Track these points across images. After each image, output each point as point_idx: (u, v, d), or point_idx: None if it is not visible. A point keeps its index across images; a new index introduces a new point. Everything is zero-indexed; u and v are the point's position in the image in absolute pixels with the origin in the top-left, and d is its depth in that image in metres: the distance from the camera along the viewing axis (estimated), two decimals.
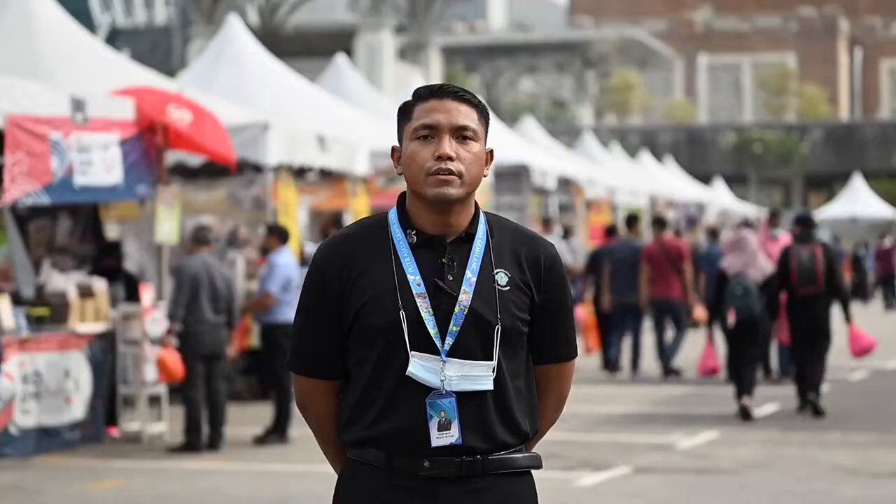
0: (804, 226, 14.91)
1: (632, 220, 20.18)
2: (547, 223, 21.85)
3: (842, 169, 56.82)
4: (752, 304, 14.24)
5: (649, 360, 19.30)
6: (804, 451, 12.35)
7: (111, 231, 16.30)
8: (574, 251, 21.78)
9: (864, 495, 10.28)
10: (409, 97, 3.73)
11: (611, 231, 21.19)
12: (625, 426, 14.12)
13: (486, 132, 3.68)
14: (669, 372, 18.62)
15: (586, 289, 20.55)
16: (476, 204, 3.70)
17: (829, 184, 59.65)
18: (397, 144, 3.70)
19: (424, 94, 3.66)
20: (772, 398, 16.06)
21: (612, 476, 11.14)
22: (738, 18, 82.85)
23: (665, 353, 18.81)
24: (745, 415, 14.25)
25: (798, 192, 62.55)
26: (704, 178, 48.26)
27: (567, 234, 22.57)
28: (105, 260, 14.41)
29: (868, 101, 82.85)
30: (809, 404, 14.59)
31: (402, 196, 3.69)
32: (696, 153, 60.47)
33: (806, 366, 14.65)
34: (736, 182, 56.43)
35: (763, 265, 14.48)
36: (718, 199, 41.87)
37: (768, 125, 63.82)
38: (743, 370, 14.44)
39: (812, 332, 14.59)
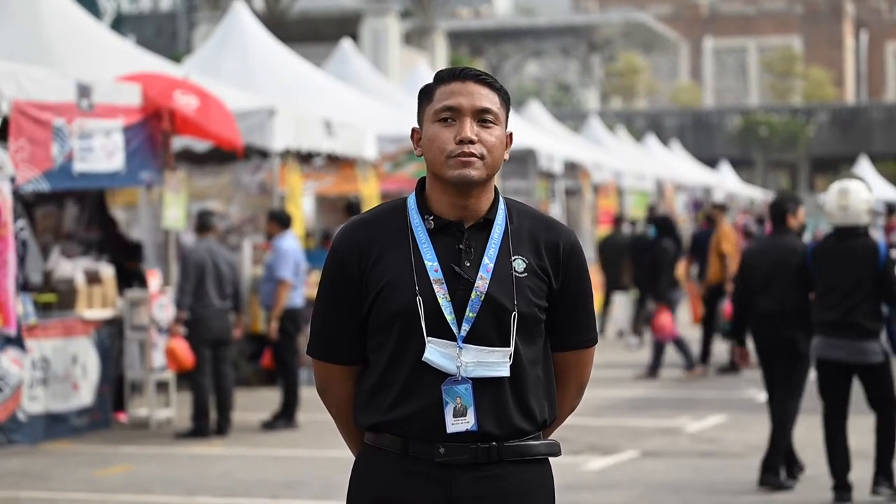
0: None
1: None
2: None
3: (848, 152, 56.73)
4: None
5: None
6: (811, 434, 12.33)
7: (118, 218, 16.28)
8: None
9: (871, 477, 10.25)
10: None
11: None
12: (632, 410, 14.12)
13: (507, 116, 3.65)
14: None
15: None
16: (496, 189, 3.66)
17: (835, 167, 59.54)
18: (417, 126, 3.66)
19: (447, 76, 3.62)
20: None
21: (620, 460, 11.15)
22: (743, 2, 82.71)
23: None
24: None
25: (804, 175, 62.47)
26: (710, 162, 48.19)
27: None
28: (127, 263, 14.38)
29: (874, 83, 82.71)
30: None
31: (421, 182, 3.66)
32: (702, 137, 60.36)
33: None
34: (742, 165, 56.36)
35: None
36: (724, 182, 41.78)
37: (774, 108, 63.68)
38: None
39: None
